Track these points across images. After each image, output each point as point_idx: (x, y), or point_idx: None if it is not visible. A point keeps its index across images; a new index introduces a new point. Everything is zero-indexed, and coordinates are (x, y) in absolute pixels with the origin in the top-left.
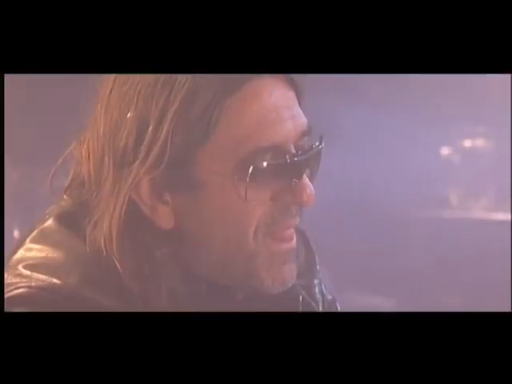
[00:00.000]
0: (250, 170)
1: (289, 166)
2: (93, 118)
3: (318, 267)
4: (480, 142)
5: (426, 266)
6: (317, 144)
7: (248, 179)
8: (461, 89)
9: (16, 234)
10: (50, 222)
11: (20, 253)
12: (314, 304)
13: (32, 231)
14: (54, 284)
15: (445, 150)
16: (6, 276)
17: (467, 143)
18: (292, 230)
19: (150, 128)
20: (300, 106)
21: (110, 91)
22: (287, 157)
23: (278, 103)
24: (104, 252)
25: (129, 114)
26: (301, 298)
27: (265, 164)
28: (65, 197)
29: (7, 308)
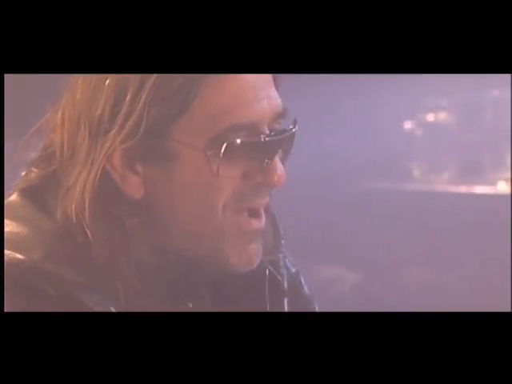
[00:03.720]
0: (224, 146)
1: (262, 145)
2: (70, 86)
3: (282, 242)
4: (443, 115)
5: (389, 238)
6: (290, 127)
7: (222, 155)
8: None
9: None
10: (14, 196)
11: None
12: (279, 277)
13: None
14: (18, 259)
15: (408, 124)
16: None
17: (430, 116)
18: (261, 210)
19: (128, 97)
20: (276, 89)
21: None
22: (261, 136)
23: (255, 83)
24: (74, 219)
25: (107, 82)
26: (267, 271)
27: (238, 141)
28: (32, 169)
29: None
